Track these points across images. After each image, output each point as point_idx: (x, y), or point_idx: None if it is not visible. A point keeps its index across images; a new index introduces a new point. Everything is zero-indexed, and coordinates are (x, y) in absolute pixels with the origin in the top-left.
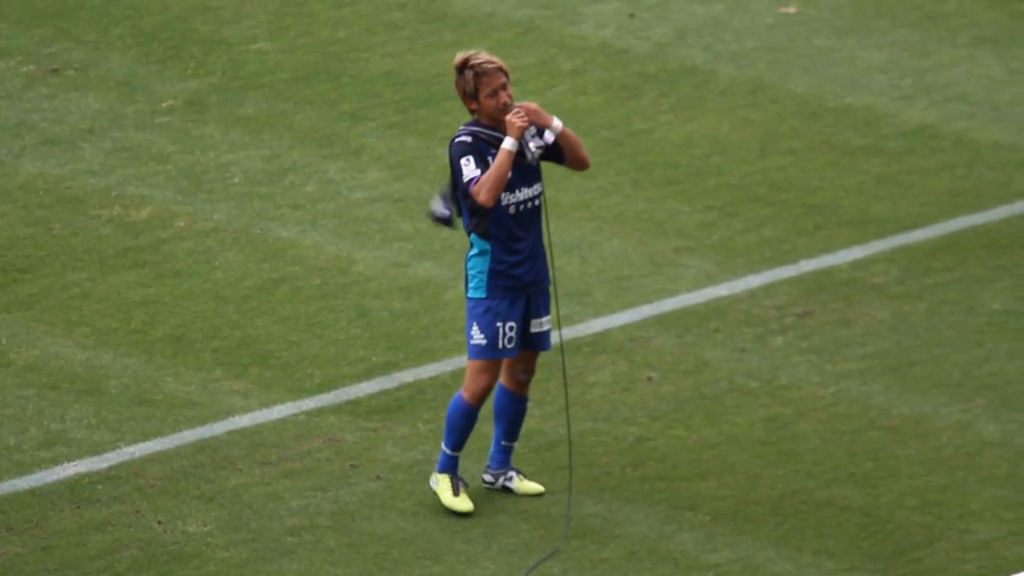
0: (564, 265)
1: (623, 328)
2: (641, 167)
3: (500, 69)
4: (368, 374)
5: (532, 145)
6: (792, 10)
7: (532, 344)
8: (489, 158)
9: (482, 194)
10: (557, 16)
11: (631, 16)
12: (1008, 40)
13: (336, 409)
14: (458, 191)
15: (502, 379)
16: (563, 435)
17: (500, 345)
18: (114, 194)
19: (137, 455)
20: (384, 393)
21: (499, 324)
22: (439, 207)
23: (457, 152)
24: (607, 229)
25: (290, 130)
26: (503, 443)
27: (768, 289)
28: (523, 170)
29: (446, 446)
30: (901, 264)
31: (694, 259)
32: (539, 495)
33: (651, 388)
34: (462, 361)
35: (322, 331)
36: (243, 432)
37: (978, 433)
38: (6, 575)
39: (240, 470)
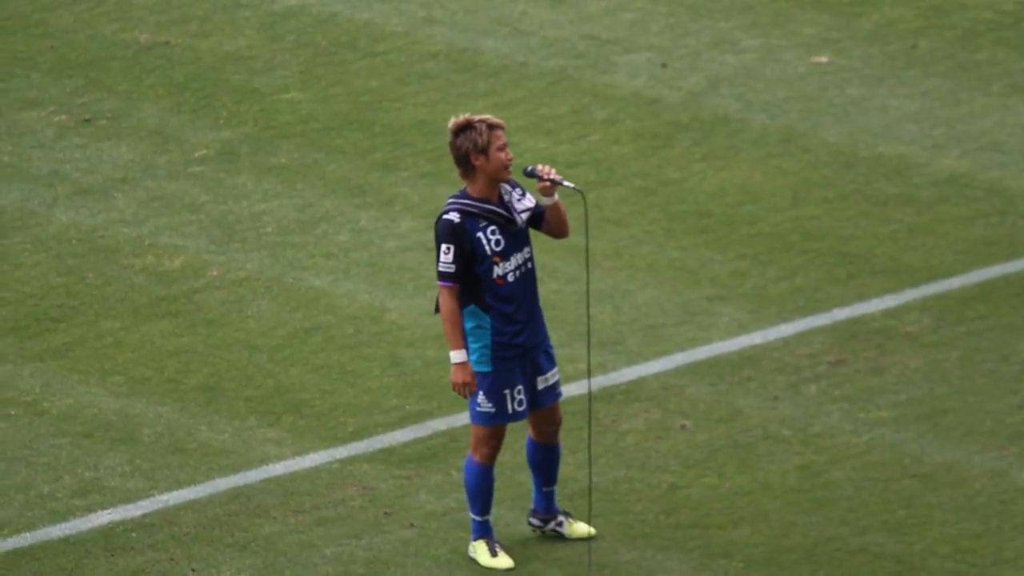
0: (597, 314)
1: (656, 376)
2: (674, 216)
3: (504, 128)
4: (402, 422)
5: (520, 207)
6: (824, 60)
7: (542, 401)
8: (479, 234)
9: (440, 304)
10: (589, 65)
11: (663, 66)
12: None
13: (370, 457)
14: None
15: (531, 433)
16: (597, 482)
17: (510, 410)
18: (147, 243)
19: (171, 503)
20: (418, 441)
21: (506, 392)
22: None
23: (442, 233)
24: (640, 278)
25: (323, 179)
26: (544, 490)
27: (801, 337)
28: (515, 237)
29: (473, 513)
30: (934, 312)
31: (727, 307)
32: (591, 538)
33: (684, 436)
34: None
35: (355, 380)
36: (277, 480)
37: (1012, 481)
38: None
39: (274, 518)
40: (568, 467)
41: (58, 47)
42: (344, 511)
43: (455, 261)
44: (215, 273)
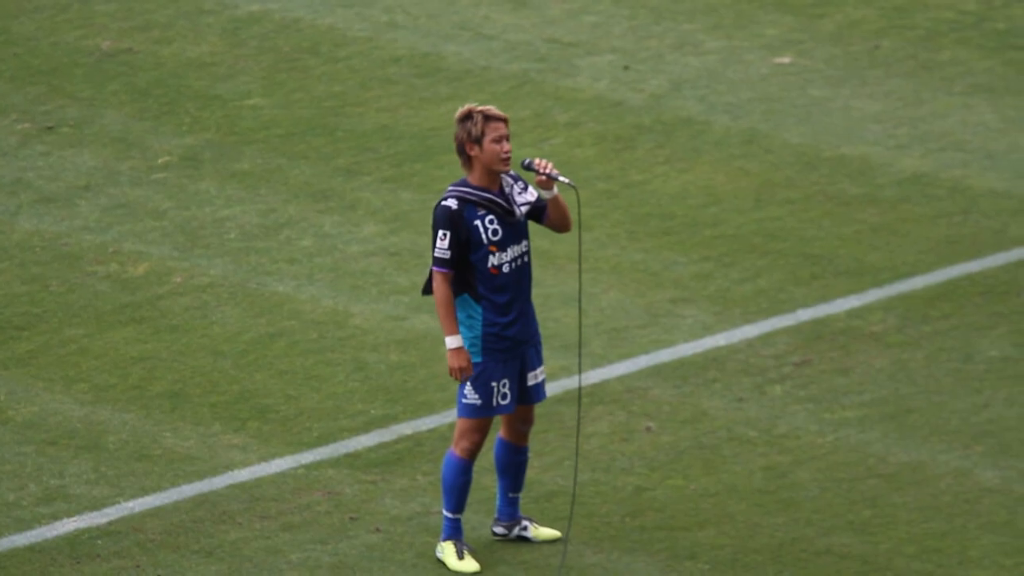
0: (561, 316)
1: (621, 379)
2: (637, 218)
3: (506, 121)
4: (366, 427)
5: (520, 200)
6: (786, 61)
7: (529, 397)
8: (477, 222)
9: (434, 288)
10: (551, 69)
11: (625, 68)
12: (1003, 88)
13: (335, 462)
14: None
15: (502, 432)
16: (563, 485)
17: (495, 403)
18: (111, 250)
19: (137, 510)
20: (382, 446)
21: (493, 384)
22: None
23: (438, 219)
24: (604, 281)
25: (285, 185)
26: (510, 495)
27: (765, 339)
28: (513, 228)
29: (447, 510)
30: (898, 312)
31: (691, 309)
32: (556, 541)
33: (649, 438)
34: None
35: (320, 385)
36: (242, 486)
37: (977, 480)
38: None
39: (239, 524)
40: (534, 470)
41: (20, 54)
42: (310, 516)
43: (450, 248)
44: (179, 279)
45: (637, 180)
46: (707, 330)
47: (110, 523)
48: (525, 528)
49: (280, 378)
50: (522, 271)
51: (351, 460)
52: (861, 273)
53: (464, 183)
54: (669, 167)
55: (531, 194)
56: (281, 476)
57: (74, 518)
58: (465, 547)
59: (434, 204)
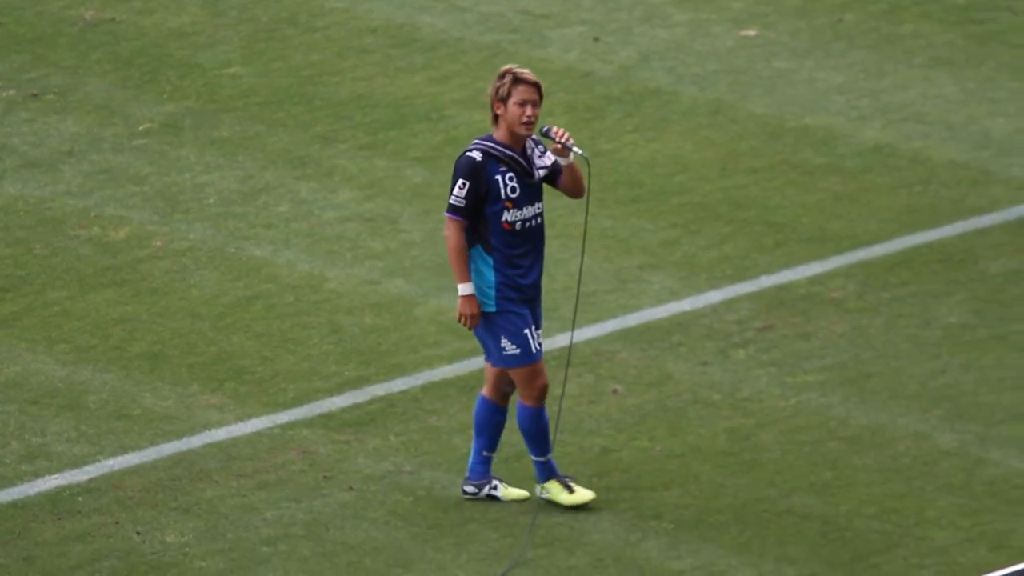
0: None
1: (589, 343)
2: (606, 186)
3: (537, 86)
4: (340, 388)
5: (538, 163)
6: (752, 33)
7: None
8: (498, 177)
9: (447, 235)
10: (523, 40)
11: (595, 40)
12: (963, 61)
13: (309, 422)
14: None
15: (485, 391)
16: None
17: (533, 348)
18: (93, 215)
19: (116, 468)
20: (356, 407)
21: (526, 332)
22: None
23: (461, 168)
24: (573, 247)
25: (263, 152)
26: (484, 454)
27: (729, 304)
28: (530, 189)
29: (537, 455)
30: (859, 279)
31: (658, 275)
32: (524, 500)
33: (616, 400)
34: (432, 375)
35: (295, 347)
36: (219, 445)
37: (935, 443)
38: None
39: (216, 482)
40: (504, 432)
41: (6, 24)
42: (285, 475)
43: (467, 197)
44: (159, 243)
45: (606, 149)
46: (673, 295)
47: (90, 480)
48: (495, 488)
49: (256, 340)
50: (535, 231)
51: (325, 420)
52: (823, 241)
53: (490, 138)
54: (637, 136)
55: (549, 158)
56: (257, 436)
57: (55, 475)
58: (569, 480)
59: (456, 155)
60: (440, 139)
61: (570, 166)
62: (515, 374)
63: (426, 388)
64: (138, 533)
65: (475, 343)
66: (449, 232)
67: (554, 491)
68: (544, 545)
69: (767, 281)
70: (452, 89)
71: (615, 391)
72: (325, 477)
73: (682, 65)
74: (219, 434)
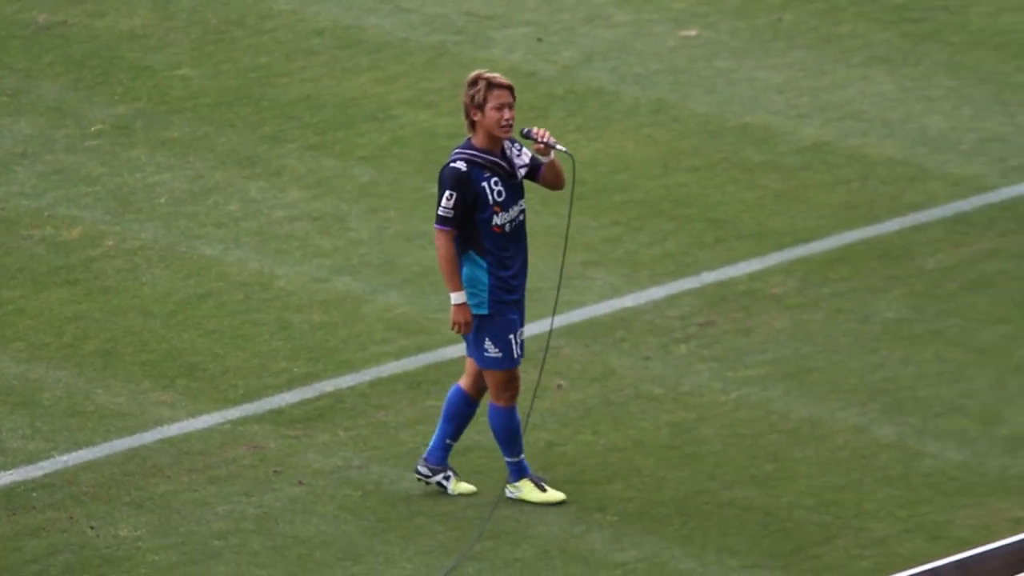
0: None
1: (534, 338)
2: None
3: (511, 89)
4: (290, 384)
5: (519, 163)
6: (693, 33)
7: None
8: (484, 183)
9: (437, 246)
10: (468, 41)
11: (539, 40)
12: (900, 60)
13: (259, 418)
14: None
15: (462, 383)
16: (476, 440)
17: (515, 354)
18: (46, 215)
19: (70, 463)
20: (305, 403)
21: (511, 336)
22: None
23: (447, 179)
24: (534, 243)
25: (213, 152)
26: (447, 441)
27: (671, 300)
28: (513, 189)
29: (509, 456)
30: (798, 275)
31: (600, 272)
32: (471, 495)
33: (560, 395)
34: (380, 371)
35: (245, 344)
36: (171, 441)
37: (873, 436)
38: None
39: (168, 477)
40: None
41: None
42: (235, 470)
43: (455, 207)
44: (111, 243)
45: None
46: (616, 291)
47: (44, 476)
48: (448, 478)
49: (207, 337)
50: (520, 229)
51: (275, 416)
52: (763, 237)
53: (469, 145)
54: (580, 135)
55: (526, 156)
56: (208, 431)
57: (10, 471)
58: (542, 480)
59: (441, 166)
60: (387, 138)
61: (551, 162)
62: (491, 376)
63: (374, 384)
64: (92, 528)
65: (421, 340)
66: (439, 243)
67: (526, 490)
68: (491, 538)
69: (708, 277)
70: (398, 89)
71: (559, 386)
72: (275, 472)
73: (624, 65)
74: (171, 430)
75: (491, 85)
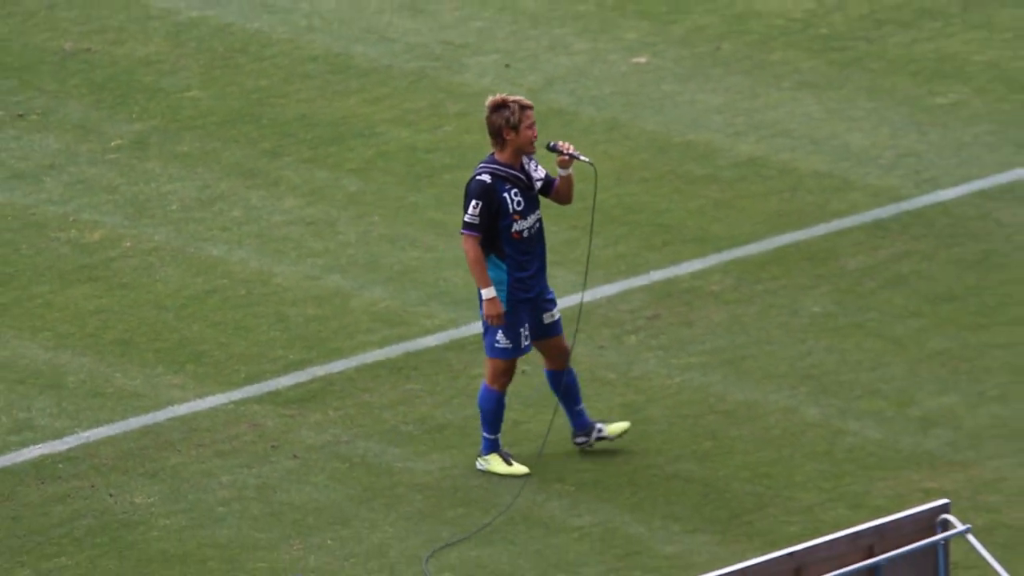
0: (452, 277)
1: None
2: None
3: (533, 108)
4: (286, 369)
5: (535, 176)
6: (643, 60)
7: (549, 332)
8: (505, 195)
9: (466, 249)
10: (444, 67)
11: (507, 66)
12: (825, 84)
13: (259, 399)
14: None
15: (547, 365)
16: (450, 419)
17: (523, 346)
18: (71, 219)
19: (92, 439)
20: (299, 385)
21: (520, 330)
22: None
23: (473, 190)
24: None
25: (219, 164)
26: (575, 408)
27: (623, 296)
28: (530, 199)
29: (487, 433)
30: (735, 274)
31: (560, 271)
32: (625, 431)
33: (525, 379)
34: (365, 358)
35: (247, 333)
36: (181, 419)
37: (802, 416)
38: None
39: (178, 451)
40: (426, 406)
41: None
42: (238, 445)
43: (480, 215)
44: (128, 244)
45: None
46: (574, 288)
47: (69, 450)
48: (601, 431)
49: (213, 328)
50: (538, 235)
51: (273, 397)
52: (704, 241)
53: (493, 160)
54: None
55: (541, 171)
56: (214, 411)
57: (39, 445)
58: (509, 455)
59: (468, 178)
60: (372, 153)
61: (567, 176)
62: (494, 363)
63: (360, 369)
64: (111, 495)
65: (401, 331)
66: (468, 247)
67: (494, 463)
68: (462, 505)
69: (656, 276)
70: (383, 110)
71: (524, 371)
72: (273, 447)
73: (582, 88)
74: (181, 409)
75: (523, 107)
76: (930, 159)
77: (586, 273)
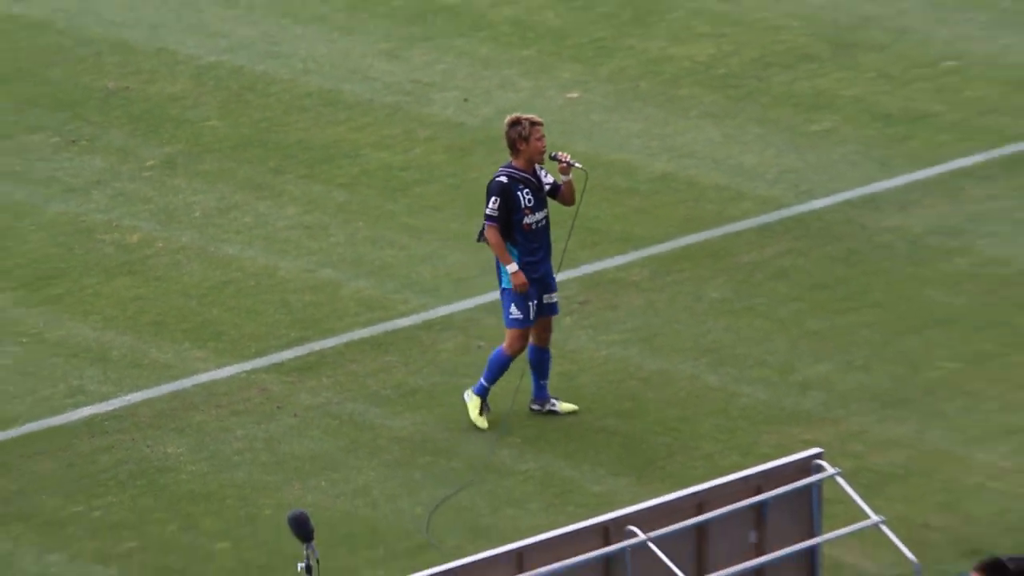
0: (421, 269)
1: (462, 312)
2: (472, 203)
3: (542, 124)
4: (288, 345)
5: (545, 180)
6: (575, 95)
7: (547, 311)
8: (519, 193)
9: (488, 236)
10: (415, 101)
11: (465, 100)
12: (723, 114)
13: (267, 369)
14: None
15: (532, 340)
16: (421, 385)
17: (531, 317)
18: (114, 225)
19: (132, 401)
20: (298, 358)
21: (530, 303)
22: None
23: (493, 189)
24: (451, 244)
25: (234, 180)
26: (541, 382)
27: (560, 285)
28: (539, 199)
29: (485, 380)
30: (651, 268)
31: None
32: (574, 412)
33: (480, 353)
34: (352, 336)
35: (256, 316)
36: (204, 385)
37: (704, 381)
38: (43, 484)
39: (202, 411)
40: (400, 374)
41: (53, 91)
42: (249, 406)
43: (499, 210)
44: (161, 245)
45: (473, 177)
46: None
47: (114, 410)
48: (554, 404)
49: (230, 312)
50: (545, 228)
51: (277, 368)
52: (626, 240)
53: (510, 166)
54: (495, 167)
55: (549, 177)
56: (230, 379)
57: (90, 406)
58: (487, 408)
59: (488, 179)
60: (357, 171)
61: (568, 182)
62: (512, 333)
63: (348, 345)
64: (148, 447)
65: (381, 314)
66: (490, 234)
67: (472, 404)
68: (431, 455)
69: (587, 269)
70: (366, 136)
71: (479, 347)
72: (278, 407)
73: None
74: (203, 378)
75: (533, 123)
76: (807, 175)
77: (561, 262)
